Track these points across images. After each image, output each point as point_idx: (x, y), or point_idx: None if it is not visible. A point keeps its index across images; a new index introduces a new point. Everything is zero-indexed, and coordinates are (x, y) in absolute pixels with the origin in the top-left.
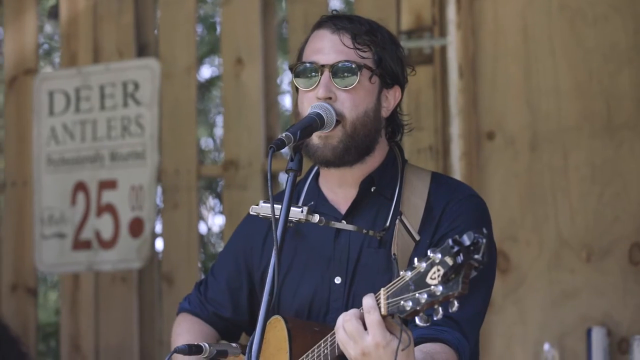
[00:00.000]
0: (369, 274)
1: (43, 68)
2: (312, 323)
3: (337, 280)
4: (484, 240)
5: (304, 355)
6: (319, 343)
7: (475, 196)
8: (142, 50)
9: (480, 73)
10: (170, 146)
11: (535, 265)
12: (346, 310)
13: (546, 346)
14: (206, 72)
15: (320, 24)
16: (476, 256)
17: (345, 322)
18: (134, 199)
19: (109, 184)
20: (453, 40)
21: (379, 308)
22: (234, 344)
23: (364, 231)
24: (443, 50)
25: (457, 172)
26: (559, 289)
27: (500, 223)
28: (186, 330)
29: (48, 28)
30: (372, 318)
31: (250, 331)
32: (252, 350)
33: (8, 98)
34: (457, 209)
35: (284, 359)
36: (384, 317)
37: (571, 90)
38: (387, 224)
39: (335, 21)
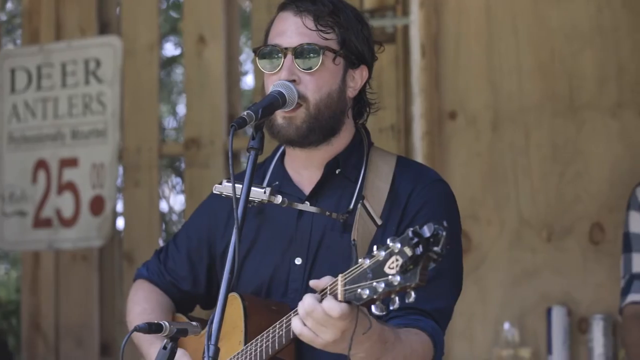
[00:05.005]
0: (331, 257)
1: (5, 45)
2: (269, 302)
3: (298, 261)
4: (444, 233)
5: (259, 336)
6: (275, 325)
7: (441, 181)
8: (104, 27)
9: (443, 52)
10: (132, 124)
11: (496, 244)
12: (304, 291)
13: (506, 325)
14: (169, 50)
15: (283, 6)
16: (435, 248)
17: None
18: (95, 177)
19: (70, 162)
20: (415, 20)
21: (336, 294)
22: (194, 323)
23: (327, 213)
24: (405, 29)
25: (419, 151)
26: (519, 268)
27: (462, 202)
28: (143, 298)
29: (10, 5)
30: (337, 304)
31: (205, 304)
32: (212, 329)
33: None
34: (423, 195)
35: (239, 336)
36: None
37: (533, 70)
38: (351, 206)
39: (297, 3)
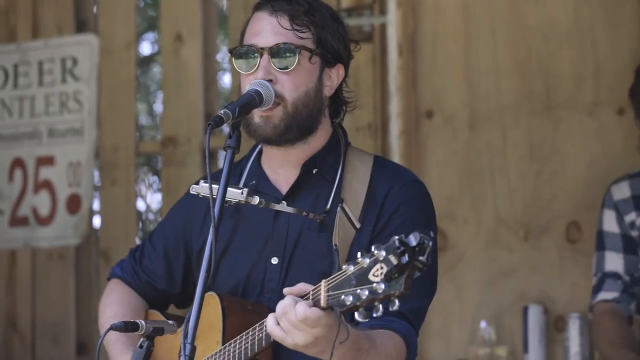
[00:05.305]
0: (307, 257)
1: None
2: (245, 301)
3: (274, 260)
4: (430, 243)
5: (238, 337)
6: (254, 326)
7: (418, 182)
8: (81, 26)
9: (420, 51)
10: (109, 123)
11: (472, 243)
12: (281, 291)
13: (483, 324)
14: (146, 48)
15: (259, 6)
16: (421, 258)
17: (286, 313)
18: (71, 175)
19: (46, 161)
20: (393, 18)
21: (319, 300)
22: (170, 321)
23: (304, 214)
24: (383, 28)
25: (396, 150)
26: (496, 267)
27: (439, 201)
28: (115, 301)
29: None
30: (313, 310)
31: (180, 303)
32: (189, 328)
33: None
34: (400, 196)
35: (217, 336)
36: (323, 309)
37: (510, 69)
38: (328, 207)
39: (273, 3)
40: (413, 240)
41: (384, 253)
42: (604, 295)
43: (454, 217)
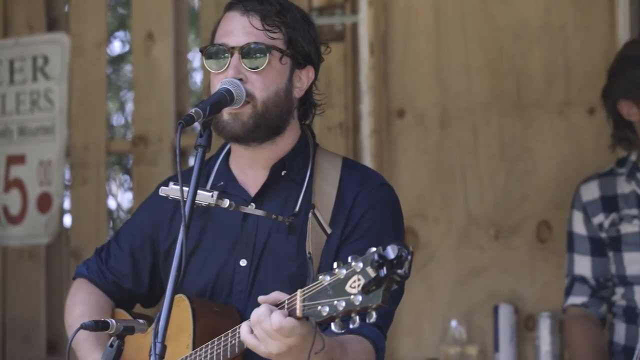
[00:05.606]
0: (276, 260)
1: None
2: (213, 303)
3: (243, 262)
4: (409, 256)
5: (209, 342)
6: (227, 332)
7: (386, 185)
8: (53, 24)
9: (391, 50)
10: (80, 121)
11: (443, 242)
12: (249, 293)
13: (453, 323)
14: (117, 47)
15: (230, 6)
16: (399, 271)
17: (261, 321)
18: (42, 174)
19: (17, 159)
20: (364, 18)
21: (295, 309)
22: (141, 320)
23: (273, 216)
24: (354, 27)
25: (367, 149)
26: (467, 266)
27: (410, 200)
28: (82, 300)
29: None
30: (288, 320)
31: (146, 303)
32: (159, 328)
33: None
34: (369, 199)
35: (187, 340)
36: (298, 319)
37: (482, 68)
38: (297, 209)
39: (245, 3)
40: (391, 253)
41: (361, 265)
42: (573, 299)
43: (425, 216)
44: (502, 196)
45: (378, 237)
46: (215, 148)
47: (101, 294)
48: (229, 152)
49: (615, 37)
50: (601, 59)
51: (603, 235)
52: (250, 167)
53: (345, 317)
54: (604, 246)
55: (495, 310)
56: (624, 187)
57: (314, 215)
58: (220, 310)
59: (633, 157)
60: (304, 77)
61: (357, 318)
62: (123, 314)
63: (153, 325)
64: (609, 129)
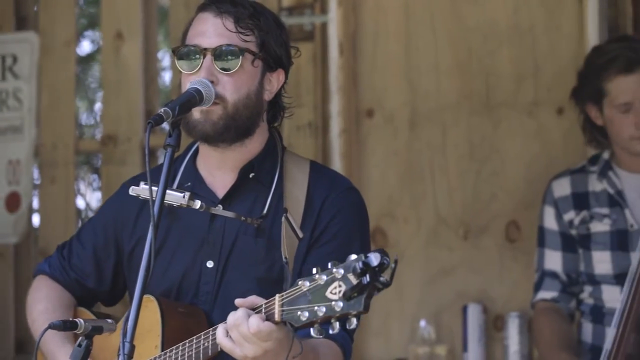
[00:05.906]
0: (244, 262)
1: None
2: (179, 304)
3: (210, 264)
4: (391, 264)
5: (180, 344)
6: (199, 335)
7: (354, 189)
8: (22, 23)
9: (361, 50)
10: (49, 121)
11: (412, 242)
12: (216, 294)
13: (422, 323)
14: (86, 46)
15: (203, 7)
16: (382, 278)
17: (238, 325)
18: (10, 173)
19: None
20: (334, 17)
21: (273, 314)
22: (109, 320)
23: (242, 218)
24: (324, 27)
25: (336, 149)
26: (436, 266)
27: (379, 200)
28: (45, 296)
29: None
30: (266, 324)
31: (108, 301)
32: (128, 327)
33: None
34: (337, 204)
35: (155, 341)
36: (275, 324)
37: (451, 68)
38: (265, 211)
39: (218, 4)
40: (374, 260)
41: (342, 271)
42: (543, 294)
43: (394, 216)
44: (471, 196)
45: (346, 241)
46: (183, 148)
47: (63, 290)
48: (196, 153)
49: (584, 37)
50: (570, 59)
51: (573, 232)
52: (219, 169)
53: (325, 323)
54: (574, 243)
55: (464, 310)
56: (595, 185)
57: (287, 219)
58: (186, 311)
59: (606, 156)
60: (275, 80)
61: (337, 324)
62: (85, 313)
63: (122, 325)
64: (578, 129)
